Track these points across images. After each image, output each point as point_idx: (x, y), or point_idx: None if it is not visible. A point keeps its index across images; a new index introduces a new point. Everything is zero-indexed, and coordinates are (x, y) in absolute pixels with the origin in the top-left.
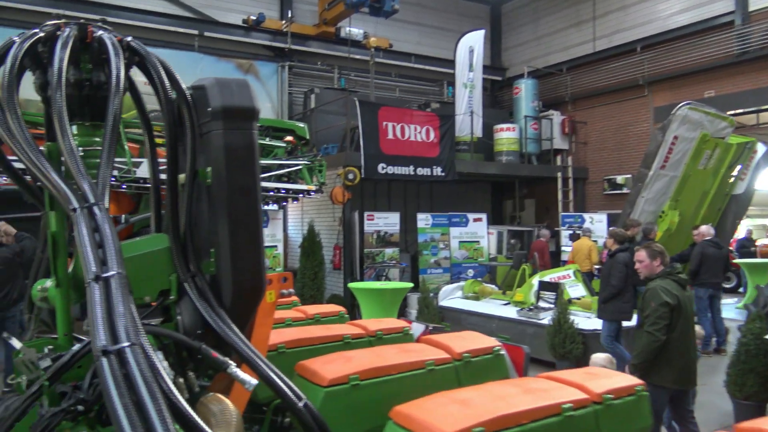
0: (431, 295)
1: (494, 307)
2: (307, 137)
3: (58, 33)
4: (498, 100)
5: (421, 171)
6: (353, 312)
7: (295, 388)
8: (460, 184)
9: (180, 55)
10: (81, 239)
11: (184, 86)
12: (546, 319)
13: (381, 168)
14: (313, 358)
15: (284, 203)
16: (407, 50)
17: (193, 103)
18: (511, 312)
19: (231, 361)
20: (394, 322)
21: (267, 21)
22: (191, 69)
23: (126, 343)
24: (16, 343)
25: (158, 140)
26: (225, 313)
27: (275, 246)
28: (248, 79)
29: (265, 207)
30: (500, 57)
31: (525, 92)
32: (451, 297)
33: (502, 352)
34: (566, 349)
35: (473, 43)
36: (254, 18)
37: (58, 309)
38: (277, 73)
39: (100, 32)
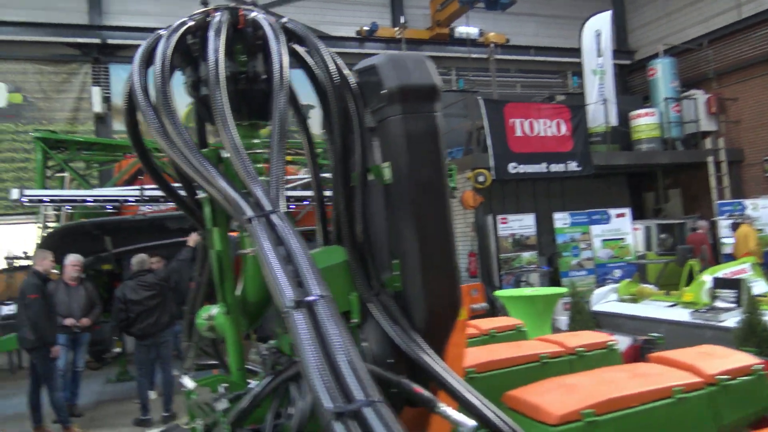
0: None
1: (658, 309)
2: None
3: (209, 20)
4: (628, 85)
5: (554, 167)
6: None
7: (518, 429)
8: (593, 179)
9: (294, 73)
10: (264, 255)
11: (346, 70)
12: (728, 320)
13: (512, 167)
14: (523, 388)
15: None
16: (525, 43)
17: (359, 89)
18: (681, 314)
19: (438, 399)
20: (593, 336)
21: (380, 30)
22: (307, 85)
23: (364, 403)
24: (188, 383)
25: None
26: (419, 336)
27: None
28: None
29: None
30: (626, 39)
31: (662, 73)
32: (606, 300)
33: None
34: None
35: (599, 26)
36: (367, 28)
37: (230, 340)
38: None
39: (253, 13)
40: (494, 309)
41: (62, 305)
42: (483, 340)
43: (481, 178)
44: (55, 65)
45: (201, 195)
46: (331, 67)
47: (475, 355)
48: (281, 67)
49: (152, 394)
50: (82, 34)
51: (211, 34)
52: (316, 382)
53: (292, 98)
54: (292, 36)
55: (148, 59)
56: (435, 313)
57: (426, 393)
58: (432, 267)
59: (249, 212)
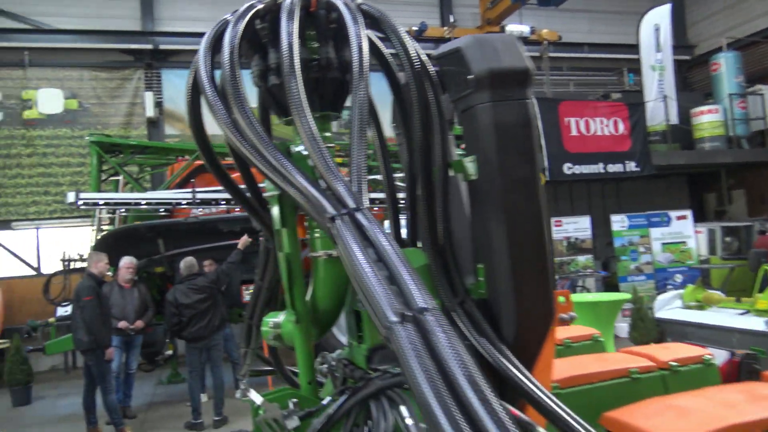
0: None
1: (728, 317)
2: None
3: (279, 2)
4: (688, 81)
5: (612, 168)
6: None
7: None
8: (650, 179)
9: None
10: (353, 259)
11: (425, 55)
12: None
13: (567, 168)
14: (623, 409)
15: None
16: (578, 40)
17: (439, 78)
18: (756, 323)
19: (536, 423)
20: (685, 349)
21: (429, 29)
22: None
23: None
24: (255, 397)
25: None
26: (508, 349)
27: None
28: None
29: None
30: (686, 34)
31: (726, 67)
32: (670, 307)
33: None
34: None
35: (658, 20)
36: (416, 28)
37: (299, 351)
38: None
39: None
40: None
41: (116, 307)
42: (558, 350)
43: None
44: (109, 71)
45: (267, 194)
46: (412, 51)
47: (556, 368)
48: (361, 51)
49: (203, 397)
50: (135, 40)
51: (284, 16)
52: (434, 413)
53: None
54: (366, 18)
55: (215, 47)
56: (526, 324)
57: (524, 417)
58: (524, 272)
59: (331, 210)
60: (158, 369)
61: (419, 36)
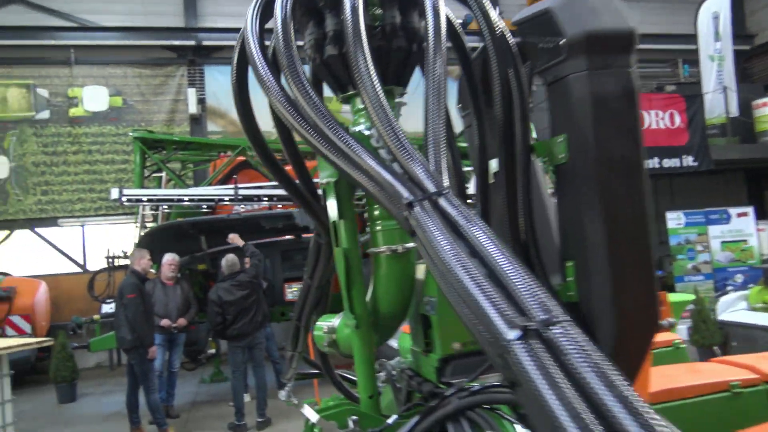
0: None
1: None
2: (535, 136)
3: None
4: (747, 72)
5: (668, 163)
6: None
7: None
8: (705, 175)
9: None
10: (440, 254)
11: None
12: None
13: None
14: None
15: None
16: None
17: (521, 45)
18: None
19: None
20: None
21: (474, 22)
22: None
23: None
24: (310, 414)
25: None
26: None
27: None
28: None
29: None
30: (744, 23)
31: None
32: (734, 309)
33: None
34: None
35: (717, 7)
36: (460, 21)
37: (359, 360)
38: None
39: None
40: None
41: (159, 305)
42: None
43: None
44: (153, 68)
45: (322, 180)
46: (493, 16)
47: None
48: (437, 14)
49: (246, 397)
50: (179, 36)
51: None
52: None
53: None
54: None
55: (264, 13)
56: (627, 331)
57: None
58: (625, 269)
59: (408, 195)
60: (201, 367)
61: (464, 29)
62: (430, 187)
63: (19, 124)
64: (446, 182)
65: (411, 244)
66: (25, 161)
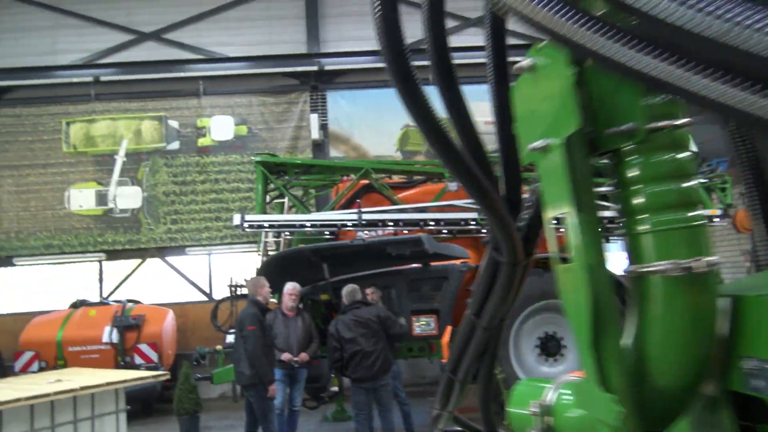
0: None
1: None
2: (694, 149)
3: None
4: None
5: None
6: None
7: None
8: None
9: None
10: None
11: None
12: None
13: None
14: None
15: None
16: None
17: None
18: None
19: None
20: None
21: None
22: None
23: None
24: None
25: None
26: None
27: None
28: None
29: None
30: None
31: None
32: None
33: None
34: None
35: None
36: None
37: None
38: None
39: None
40: None
41: (280, 337)
42: None
43: None
44: (276, 96)
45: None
46: None
47: None
48: None
49: None
50: (301, 63)
51: None
52: None
53: None
54: None
55: None
56: None
57: None
58: None
59: None
60: (323, 405)
61: None
62: None
63: (152, 155)
64: None
65: (713, 258)
66: (157, 191)
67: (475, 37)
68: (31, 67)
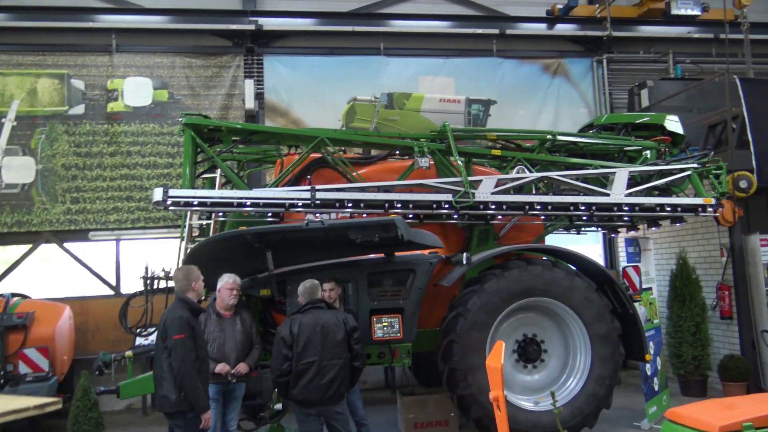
0: None
1: None
2: (682, 133)
3: None
4: None
5: None
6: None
7: None
8: None
9: (477, 63)
10: None
11: None
12: None
13: None
14: (684, 405)
15: (655, 227)
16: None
17: None
18: None
19: None
20: None
21: (578, 8)
22: (490, 76)
23: None
24: None
25: None
26: None
27: (649, 288)
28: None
29: (637, 234)
30: None
31: None
32: None
33: None
34: None
35: None
36: (561, 6)
37: None
38: (592, 69)
39: None
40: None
41: (213, 344)
42: None
43: (743, 184)
44: (204, 58)
45: None
46: None
47: None
48: None
49: None
50: (235, 21)
51: None
52: None
53: None
54: None
55: None
56: None
57: None
58: None
59: None
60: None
61: (565, 15)
62: None
63: (50, 120)
64: None
65: None
66: (55, 163)
67: (430, 5)
68: None
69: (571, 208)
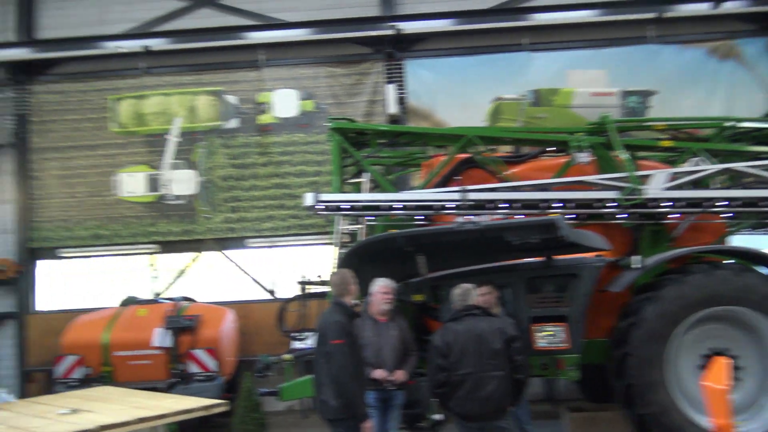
0: None
1: None
2: None
3: None
4: None
5: None
6: None
7: None
8: None
9: (630, 52)
10: None
11: None
12: None
13: None
14: None
15: None
16: None
17: None
18: None
19: None
20: None
21: None
22: (646, 65)
23: None
24: None
25: None
26: None
27: None
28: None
29: None
30: None
31: None
32: None
33: None
34: None
35: None
36: None
37: None
38: None
39: None
40: None
41: (370, 349)
42: None
43: None
44: (346, 66)
45: None
46: None
47: None
48: None
49: None
50: (374, 27)
51: None
52: None
53: None
54: None
55: None
56: None
57: None
58: None
59: None
60: None
61: None
62: None
63: (208, 135)
64: None
65: None
66: (214, 175)
67: None
68: (75, 38)
69: (760, 204)
